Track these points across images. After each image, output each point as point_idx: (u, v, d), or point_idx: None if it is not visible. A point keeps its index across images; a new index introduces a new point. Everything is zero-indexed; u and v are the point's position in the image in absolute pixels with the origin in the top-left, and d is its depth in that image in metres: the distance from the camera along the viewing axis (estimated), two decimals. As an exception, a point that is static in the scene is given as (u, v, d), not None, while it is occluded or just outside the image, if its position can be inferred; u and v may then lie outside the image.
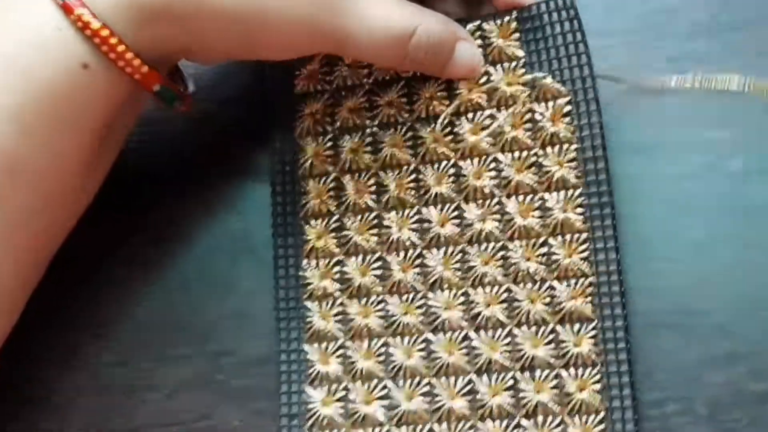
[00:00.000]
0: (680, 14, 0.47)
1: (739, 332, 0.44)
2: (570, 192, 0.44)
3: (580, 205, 0.44)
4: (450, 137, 0.46)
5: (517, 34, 0.45)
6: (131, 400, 0.49)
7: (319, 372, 0.46)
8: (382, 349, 0.46)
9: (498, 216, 0.45)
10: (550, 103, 0.44)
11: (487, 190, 0.45)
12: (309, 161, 0.47)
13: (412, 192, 0.46)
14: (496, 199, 0.45)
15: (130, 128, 0.47)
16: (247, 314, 0.49)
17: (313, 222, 0.47)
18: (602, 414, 0.42)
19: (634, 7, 0.48)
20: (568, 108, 0.44)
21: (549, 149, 0.44)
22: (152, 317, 0.50)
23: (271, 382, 0.47)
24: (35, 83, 0.40)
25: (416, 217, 0.46)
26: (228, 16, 0.41)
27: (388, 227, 0.46)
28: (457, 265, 0.45)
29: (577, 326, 0.43)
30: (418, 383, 0.45)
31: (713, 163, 0.45)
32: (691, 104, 0.46)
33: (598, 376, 0.43)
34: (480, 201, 0.45)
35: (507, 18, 0.45)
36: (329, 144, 0.47)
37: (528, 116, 0.45)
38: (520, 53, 0.45)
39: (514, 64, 0.45)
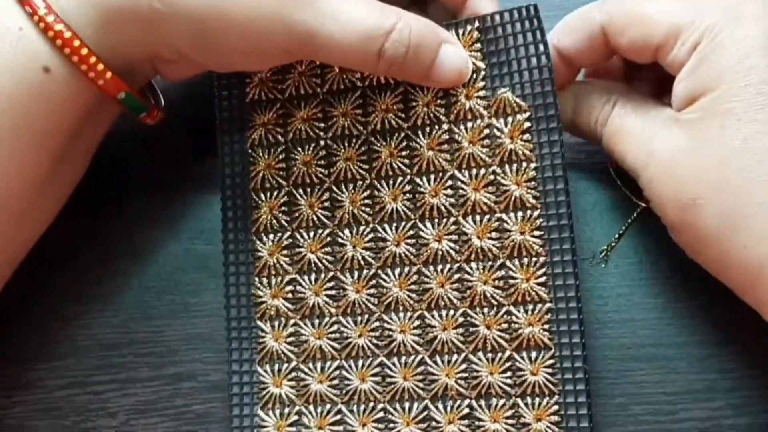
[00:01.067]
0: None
1: (717, 366, 0.43)
2: (528, 213, 0.42)
3: (538, 228, 0.41)
4: (406, 152, 0.43)
5: (478, 45, 0.42)
6: (86, 424, 0.48)
7: (271, 394, 0.44)
8: (336, 372, 0.44)
9: (455, 236, 0.43)
10: (510, 118, 0.42)
11: (443, 209, 0.43)
12: (260, 174, 0.45)
13: (367, 209, 0.44)
14: (452, 219, 0.43)
15: (96, 143, 0.45)
16: (208, 337, 0.47)
17: (265, 237, 0.45)
18: None
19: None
20: (527, 124, 0.42)
21: (507, 167, 0.42)
22: (108, 338, 0.48)
23: None
24: None
25: (371, 235, 0.44)
26: (196, 16, 0.39)
27: (343, 245, 0.44)
28: (413, 287, 0.43)
29: (534, 354, 0.42)
30: (373, 408, 0.43)
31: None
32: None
33: (555, 407, 0.41)
34: (436, 219, 0.43)
35: (469, 27, 0.43)
36: (281, 156, 0.45)
37: (486, 132, 0.42)
38: (481, 65, 0.42)
39: (474, 76, 0.42)
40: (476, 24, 0.42)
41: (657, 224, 0.42)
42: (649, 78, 0.44)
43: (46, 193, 0.43)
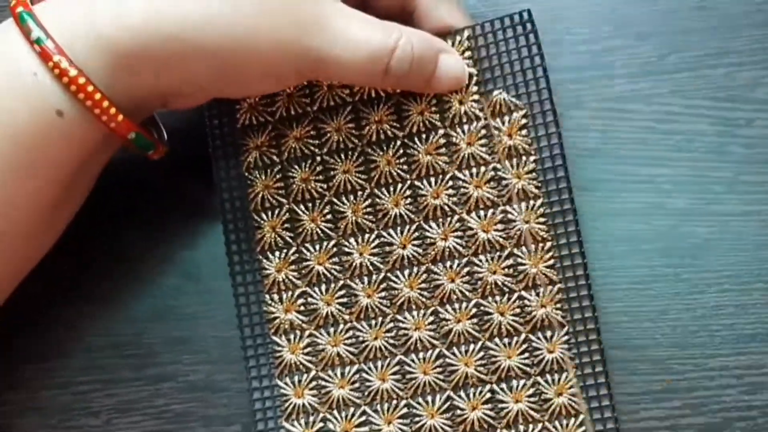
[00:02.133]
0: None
1: (675, 368, 0.46)
2: (531, 202, 0.45)
3: (542, 215, 0.44)
4: (404, 159, 0.46)
5: (469, 53, 0.45)
6: (70, 423, 0.49)
7: (294, 405, 0.46)
8: (356, 376, 0.46)
9: (460, 233, 0.45)
10: (506, 117, 0.45)
11: (446, 208, 0.45)
12: (259, 195, 0.47)
13: (370, 216, 0.46)
14: (456, 216, 0.45)
15: (99, 172, 0.45)
16: (188, 339, 0.49)
17: (270, 255, 0.47)
18: (582, 416, 0.44)
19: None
20: (524, 121, 0.45)
21: (507, 162, 0.45)
22: (93, 340, 0.49)
23: (211, 407, 0.48)
24: (7, 128, 0.39)
25: (377, 241, 0.46)
26: (215, 52, 0.40)
27: (349, 253, 0.46)
28: (424, 285, 0.45)
29: (549, 333, 0.44)
30: (396, 406, 0.45)
31: (655, 202, 0.47)
32: (633, 142, 0.48)
33: (574, 380, 0.44)
34: (440, 219, 0.45)
35: (458, 37, 0.45)
36: (279, 176, 0.47)
37: (484, 132, 0.45)
38: (473, 71, 0.45)
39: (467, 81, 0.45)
40: (466, 33, 0.45)
41: (616, 234, 0.46)
42: None
43: (51, 221, 0.44)
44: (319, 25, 0.41)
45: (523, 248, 0.45)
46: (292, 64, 0.42)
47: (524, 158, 0.45)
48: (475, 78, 0.45)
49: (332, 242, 0.46)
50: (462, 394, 0.45)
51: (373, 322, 0.46)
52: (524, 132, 0.45)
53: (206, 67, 0.41)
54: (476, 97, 0.45)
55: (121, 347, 0.49)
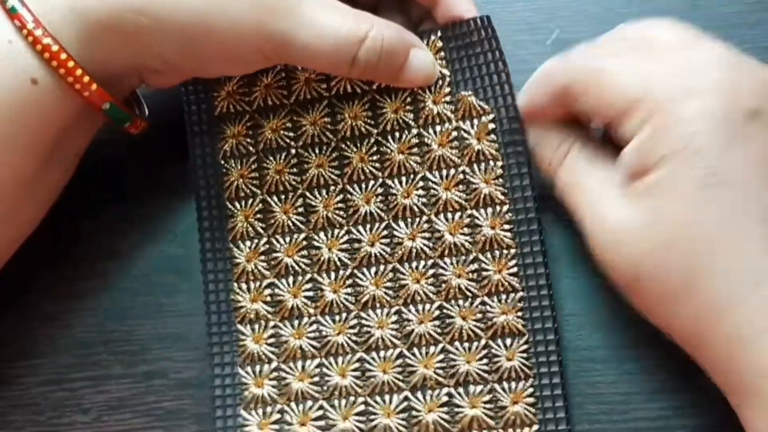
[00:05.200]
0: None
1: (667, 368, 0.45)
2: (498, 208, 0.44)
3: (508, 222, 0.44)
4: (377, 156, 0.46)
5: (442, 53, 0.45)
6: (61, 420, 0.49)
7: (254, 395, 0.46)
8: (317, 370, 0.46)
9: (428, 234, 0.45)
10: (475, 121, 0.45)
11: (416, 209, 0.45)
12: (234, 183, 0.47)
13: (341, 212, 0.46)
14: (425, 217, 0.45)
15: (82, 150, 0.46)
16: (180, 336, 0.49)
17: (242, 245, 0.47)
18: (536, 426, 0.43)
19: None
20: (492, 126, 0.44)
21: (475, 166, 0.45)
22: (85, 337, 0.49)
23: (203, 405, 0.47)
24: None
25: (346, 237, 0.46)
26: (180, 27, 0.41)
27: (318, 248, 0.46)
28: (389, 284, 0.45)
29: (509, 340, 0.44)
30: (354, 402, 0.45)
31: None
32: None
33: (531, 389, 0.43)
34: (409, 219, 0.45)
35: (432, 37, 0.45)
36: (254, 166, 0.47)
37: (454, 134, 0.45)
38: (446, 72, 0.45)
39: (440, 82, 0.45)
40: (439, 34, 0.45)
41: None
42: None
43: (32, 196, 0.44)
44: (286, 9, 0.41)
45: (488, 254, 0.44)
46: (254, 46, 0.42)
47: (492, 163, 0.44)
48: (448, 79, 0.45)
49: (302, 235, 0.46)
50: (419, 395, 0.45)
51: (337, 317, 0.46)
52: (492, 137, 0.44)
53: (173, 44, 0.42)
54: (449, 98, 0.45)
55: (112, 344, 0.49)
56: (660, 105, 0.38)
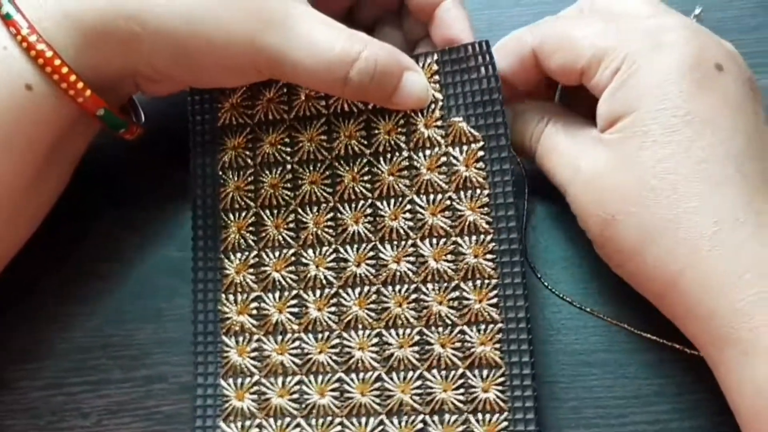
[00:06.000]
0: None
1: (664, 372, 0.45)
2: (482, 237, 0.44)
3: (491, 251, 0.43)
4: (368, 177, 0.45)
5: (437, 77, 0.45)
6: (61, 424, 0.49)
7: (233, 407, 0.46)
8: (297, 387, 0.46)
9: (412, 258, 0.45)
10: (465, 147, 0.44)
11: (402, 232, 0.45)
12: (230, 195, 0.47)
13: (330, 230, 0.46)
14: (411, 241, 0.45)
15: (79, 155, 0.47)
16: (180, 340, 0.49)
17: (232, 256, 0.47)
18: None
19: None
20: (481, 153, 0.44)
21: (462, 193, 0.44)
22: (84, 341, 0.50)
23: None
24: None
25: (333, 256, 0.46)
26: (172, 36, 0.41)
27: (306, 264, 0.46)
28: (372, 306, 0.45)
29: (485, 372, 0.43)
30: (330, 423, 0.45)
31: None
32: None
33: (505, 423, 0.43)
34: (395, 242, 0.45)
35: (428, 60, 0.45)
36: (250, 178, 0.47)
37: (443, 159, 0.44)
38: (439, 96, 0.44)
39: (432, 106, 0.45)
40: (435, 57, 0.45)
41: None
42: (583, 99, 0.45)
43: (29, 201, 0.45)
44: (280, 24, 0.41)
45: (470, 282, 0.44)
46: (247, 58, 0.42)
47: (478, 191, 0.44)
48: (440, 103, 0.44)
49: (291, 251, 0.46)
50: (395, 420, 0.44)
51: (320, 335, 0.46)
52: (480, 164, 0.44)
53: (166, 52, 0.42)
54: (440, 122, 0.44)
55: (111, 348, 0.50)
56: (630, 54, 0.40)
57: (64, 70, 0.41)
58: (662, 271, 0.39)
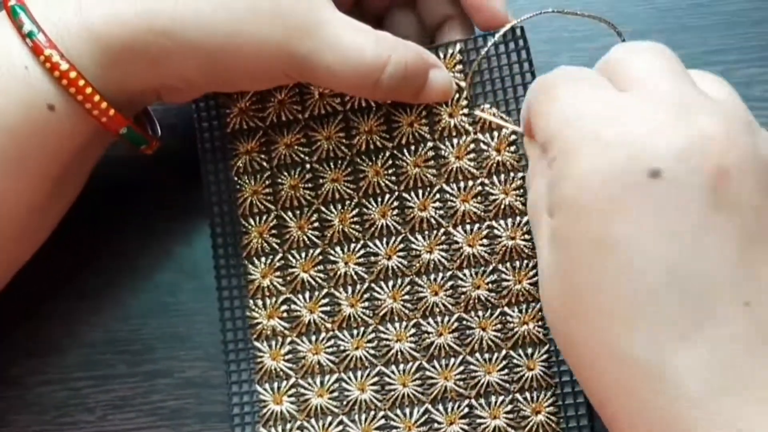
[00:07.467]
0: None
1: None
2: (518, 219, 0.45)
3: (527, 232, 0.44)
4: (392, 170, 0.46)
5: (460, 66, 0.45)
6: (65, 419, 0.49)
7: (272, 411, 0.46)
8: (336, 385, 0.46)
9: (445, 246, 0.45)
10: (495, 133, 0.45)
11: (433, 221, 0.45)
12: (248, 200, 0.47)
13: (357, 226, 0.46)
14: (442, 230, 0.45)
15: (90, 170, 0.46)
16: (185, 335, 0.49)
17: (256, 261, 0.47)
18: None
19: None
20: (513, 137, 0.45)
21: (495, 178, 0.45)
22: (89, 336, 0.50)
23: (207, 404, 0.48)
24: None
25: (362, 251, 0.46)
26: (203, 48, 0.40)
27: (335, 262, 0.46)
28: (407, 297, 0.45)
29: (530, 350, 0.44)
30: (374, 417, 0.45)
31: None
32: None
33: (552, 399, 0.44)
34: (426, 231, 0.45)
35: (451, 51, 0.46)
36: (268, 182, 0.47)
37: (472, 146, 0.45)
38: (463, 84, 0.45)
39: (456, 95, 0.45)
40: (458, 47, 0.45)
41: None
42: None
43: (43, 217, 0.44)
44: (310, 31, 0.41)
45: (508, 264, 0.44)
46: (278, 67, 0.42)
47: (512, 174, 0.45)
48: (465, 92, 0.45)
49: (318, 250, 0.46)
50: (440, 407, 0.45)
51: (355, 331, 0.46)
52: (512, 148, 0.45)
53: (196, 64, 0.41)
54: (466, 110, 0.45)
55: (116, 343, 0.50)
56: (564, 149, 0.35)
57: (89, 90, 0.40)
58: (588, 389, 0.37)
